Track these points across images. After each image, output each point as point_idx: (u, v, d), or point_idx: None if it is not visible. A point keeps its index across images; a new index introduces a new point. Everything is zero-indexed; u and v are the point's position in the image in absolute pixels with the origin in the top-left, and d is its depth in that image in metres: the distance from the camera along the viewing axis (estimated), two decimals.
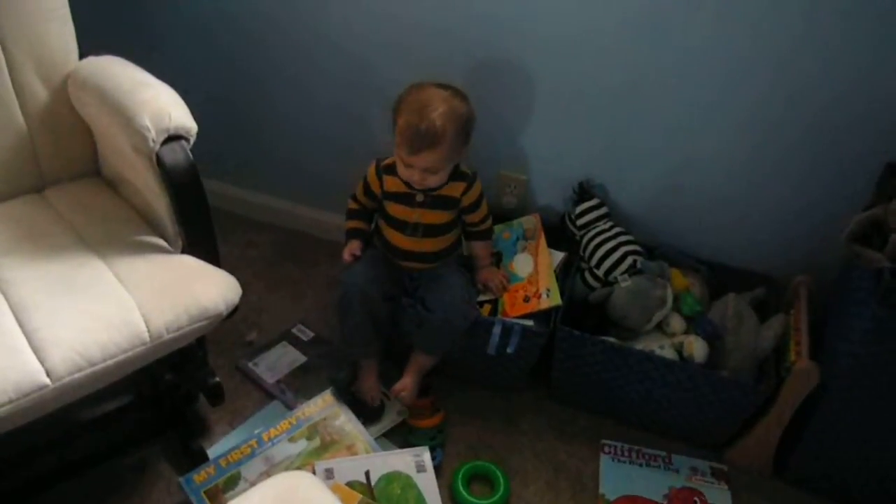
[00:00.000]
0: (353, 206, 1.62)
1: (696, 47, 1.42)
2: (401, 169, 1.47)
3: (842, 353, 1.36)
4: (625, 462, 1.59)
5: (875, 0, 1.27)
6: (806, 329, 1.46)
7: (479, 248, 1.63)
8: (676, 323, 1.57)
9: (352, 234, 1.60)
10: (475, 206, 1.55)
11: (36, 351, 1.12)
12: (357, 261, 1.57)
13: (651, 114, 1.54)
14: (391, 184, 1.53)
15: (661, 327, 1.58)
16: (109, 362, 1.14)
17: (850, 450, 1.46)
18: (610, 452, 1.61)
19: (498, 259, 1.67)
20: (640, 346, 1.55)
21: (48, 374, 1.10)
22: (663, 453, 1.61)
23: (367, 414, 1.60)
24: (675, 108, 1.51)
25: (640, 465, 1.59)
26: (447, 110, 1.39)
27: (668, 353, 1.53)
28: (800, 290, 1.55)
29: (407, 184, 1.50)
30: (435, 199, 1.52)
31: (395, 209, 1.55)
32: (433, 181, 1.46)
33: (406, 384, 1.56)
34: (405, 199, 1.53)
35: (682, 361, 1.51)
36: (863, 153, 1.42)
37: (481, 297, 1.62)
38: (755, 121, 1.47)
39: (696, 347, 1.51)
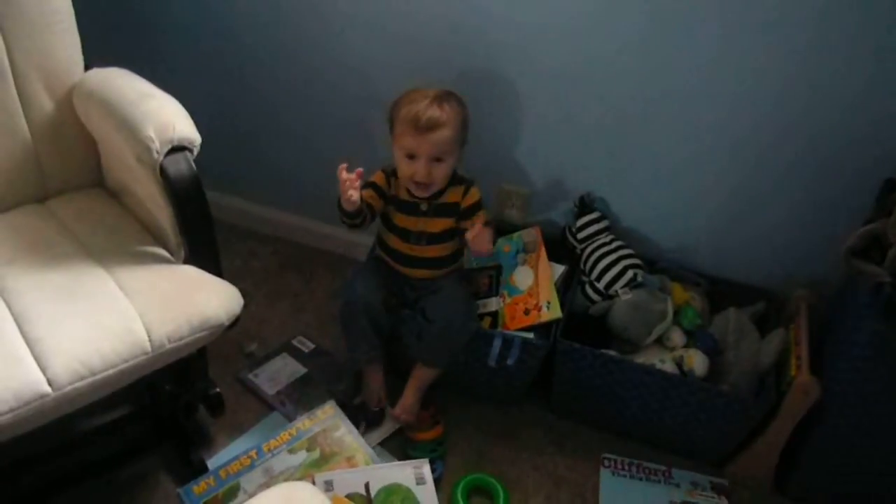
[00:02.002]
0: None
1: (700, 67, 1.43)
2: (404, 167, 1.46)
3: (842, 368, 1.36)
4: (625, 476, 1.59)
5: (876, 23, 1.28)
6: (806, 343, 1.46)
7: (474, 219, 1.52)
8: (677, 337, 1.57)
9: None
10: (474, 209, 1.54)
11: (38, 360, 1.12)
12: (359, 270, 1.58)
13: (653, 130, 1.55)
14: (398, 189, 1.54)
15: (661, 341, 1.58)
16: (111, 371, 1.15)
17: (851, 464, 1.46)
18: (610, 466, 1.60)
19: (498, 272, 1.67)
20: (640, 359, 1.55)
21: (49, 383, 1.10)
22: (663, 467, 1.61)
23: (369, 418, 1.59)
24: (676, 124, 1.52)
25: (641, 479, 1.58)
26: (447, 94, 1.44)
27: (669, 367, 1.53)
28: (800, 304, 1.55)
29: (410, 192, 1.51)
30: (438, 208, 1.53)
31: (399, 219, 1.56)
32: (439, 173, 1.45)
33: (406, 405, 1.57)
34: (410, 207, 1.54)
35: (683, 375, 1.51)
36: (862, 169, 1.43)
37: (482, 310, 1.62)
38: (756, 137, 1.48)
39: (697, 361, 1.51)
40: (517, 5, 1.47)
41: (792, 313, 1.56)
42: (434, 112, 1.40)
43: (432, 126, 1.40)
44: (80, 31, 1.42)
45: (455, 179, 1.53)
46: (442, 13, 1.53)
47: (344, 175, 1.41)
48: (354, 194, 1.42)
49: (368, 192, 1.54)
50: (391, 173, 1.55)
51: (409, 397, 1.58)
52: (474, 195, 1.54)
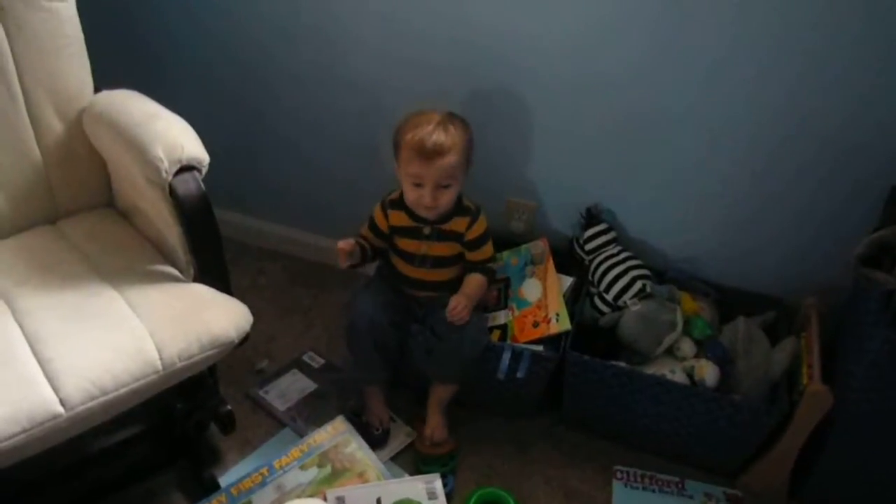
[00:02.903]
0: (360, 233, 1.61)
1: (706, 77, 1.43)
2: (410, 193, 1.47)
3: (854, 376, 1.35)
4: (637, 488, 1.58)
5: (883, 29, 1.28)
6: (818, 352, 1.45)
7: (469, 279, 1.56)
8: (687, 347, 1.56)
9: (357, 240, 1.57)
10: (478, 243, 1.55)
11: (50, 380, 1.13)
12: (365, 288, 1.58)
13: (658, 140, 1.55)
14: (396, 218, 1.55)
15: (671, 351, 1.57)
16: (123, 391, 1.15)
17: (866, 473, 1.45)
18: (622, 478, 1.59)
19: (506, 285, 1.67)
20: (650, 370, 1.54)
21: (62, 404, 1.11)
22: (676, 479, 1.60)
23: (374, 439, 1.59)
24: (682, 135, 1.52)
25: (654, 491, 1.57)
26: (451, 120, 1.44)
27: (680, 378, 1.52)
28: (810, 312, 1.54)
29: (412, 217, 1.52)
30: (440, 233, 1.53)
31: (403, 243, 1.57)
32: (445, 200, 1.46)
33: (433, 424, 1.57)
34: (412, 232, 1.55)
35: (694, 385, 1.51)
36: (870, 176, 1.42)
37: (491, 323, 1.62)
38: (764, 146, 1.48)
39: (708, 371, 1.50)
40: (520, 23, 1.48)
41: (802, 322, 1.56)
42: (440, 138, 1.40)
43: (438, 153, 1.40)
44: (90, 54, 1.44)
45: (461, 209, 1.53)
46: (445, 32, 1.55)
47: (343, 247, 1.51)
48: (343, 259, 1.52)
49: (367, 232, 1.58)
50: (388, 205, 1.56)
51: (434, 417, 1.58)
52: (480, 226, 1.54)
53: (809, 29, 1.32)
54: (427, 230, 1.53)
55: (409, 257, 1.57)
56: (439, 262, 1.56)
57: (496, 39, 1.52)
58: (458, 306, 1.48)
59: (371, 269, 1.70)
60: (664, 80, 1.47)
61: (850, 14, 1.28)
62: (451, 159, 1.42)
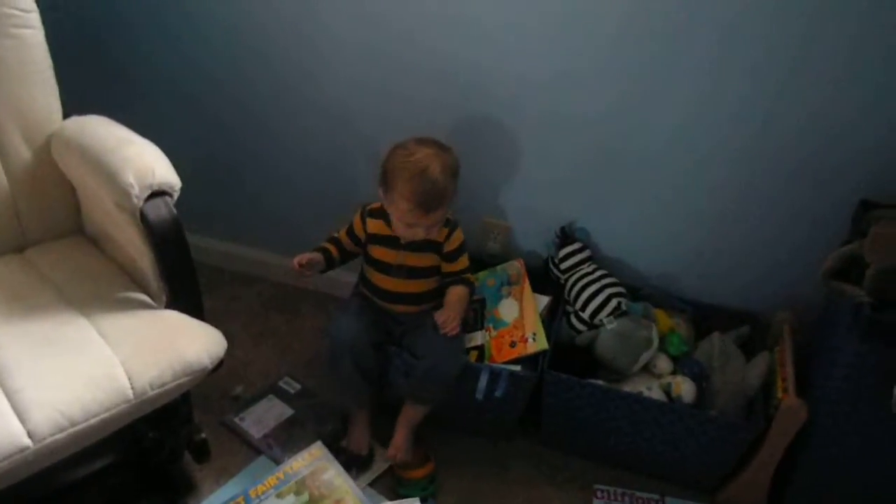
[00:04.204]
0: (332, 235, 1.61)
1: (683, 101, 1.46)
2: (403, 230, 1.49)
3: (827, 388, 1.37)
4: None
5: (862, 56, 1.32)
6: (791, 365, 1.47)
7: (455, 290, 1.57)
8: (663, 363, 1.57)
9: (318, 249, 1.58)
10: (455, 254, 1.56)
11: (18, 412, 1.10)
12: (344, 310, 1.57)
13: (633, 161, 1.57)
14: (374, 226, 1.55)
15: (648, 368, 1.58)
16: (93, 421, 1.13)
17: (842, 485, 1.46)
18: (603, 497, 1.59)
19: (482, 305, 1.67)
20: (628, 387, 1.55)
21: (30, 436, 1.08)
22: (656, 496, 1.59)
23: (357, 464, 1.58)
24: (657, 156, 1.54)
25: None
26: (444, 167, 1.42)
27: (657, 394, 1.53)
28: (783, 327, 1.56)
29: (389, 225, 1.52)
30: (417, 243, 1.53)
31: (379, 252, 1.56)
32: (435, 232, 1.50)
33: (398, 445, 1.55)
34: (388, 241, 1.55)
35: (671, 402, 1.51)
36: (842, 194, 1.45)
37: (469, 344, 1.62)
38: (739, 165, 1.50)
39: (684, 388, 1.51)
40: (501, 58, 1.51)
41: (776, 336, 1.57)
42: (437, 190, 1.41)
43: (439, 205, 1.43)
44: (58, 79, 1.43)
45: None
46: (427, 63, 1.56)
47: (297, 268, 1.53)
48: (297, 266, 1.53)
49: (344, 236, 1.59)
50: (368, 213, 1.56)
51: (401, 436, 1.56)
52: (458, 238, 1.55)
53: (786, 53, 1.35)
54: (403, 240, 1.53)
55: (385, 267, 1.56)
56: (415, 273, 1.56)
57: (477, 72, 1.54)
58: (447, 320, 1.49)
59: (348, 290, 1.69)
60: (639, 117, 1.50)
61: (823, 44, 1.32)
62: (444, 208, 1.45)
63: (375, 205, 1.56)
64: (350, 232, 1.59)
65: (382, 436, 1.61)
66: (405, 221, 1.46)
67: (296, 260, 1.53)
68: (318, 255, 1.56)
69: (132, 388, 1.17)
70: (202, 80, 1.77)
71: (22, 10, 1.35)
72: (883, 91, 1.34)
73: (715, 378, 1.53)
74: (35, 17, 1.37)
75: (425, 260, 1.56)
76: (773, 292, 1.64)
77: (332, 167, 1.80)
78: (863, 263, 1.27)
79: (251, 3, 1.61)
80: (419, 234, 1.47)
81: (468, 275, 1.60)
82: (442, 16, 1.49)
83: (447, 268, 1.58)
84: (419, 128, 1.50)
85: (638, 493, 1.60)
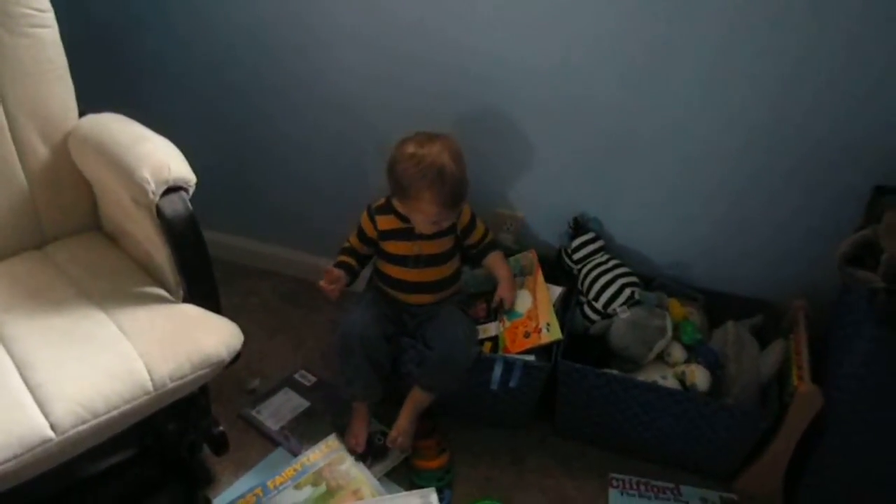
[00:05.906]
0: (344, 245, 1.62)
1: (693, 85, 1.45)
2: (424, 226, 1.50)
3: (844, 375, 1.36)
4: (633, 495, 1.58)
5: (869, 35, 1.31)
6: (806, 353, 1.47)
7: (494, 261, 1.63)
8: (677, 352, 1.57)
9: (338, 265, 1.59)
10: (470, 227, 1.59)
11: (40, 405, 1.12)
12: (356, 302, 1.58)
13: (644, 149, 1.57)
14: (384, 223, 1.56)
15: (662, 357, 1.58)
16: (113, 413, 1.15)
17: (859, 472, 1.45)
18: (618, 486, 1.59)
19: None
20: (642, 377, 1.55)
21: (53, 428, 1.10)
22: (672, 485, 1.60)
23: (375, 451, 1.59)
24: (668, 144, 1.54)
25: (650, 497, 1.57)
26: (453, 157, 1.44)
27: (671, 383, 1.53)
28: (798, 314, 1.56)
29: (401, 218, 1.53)
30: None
31: (393, 246, 1.57)
32: (455, 216, 1.53)
33: (401, 428, 1.56)
34: (403, 234, 1.55)
35: (686, 391, 1.51)
36: (855, 179, 1.44)
37: (482, 335, 1.62)
38: (751, 151, 1.50)
39: (699, 376, 1.51)
40: (509, 47, 1.51)
41: (790, 323, 1.57)
42: (457, 181, 1.43)
43: (462, 197, 1.46)
44: (75, 78, 1.44)
45: None
46: (435, 55, 1.56)
47: (325, 286, 1.54)
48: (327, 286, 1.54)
49: (355, 241, 1.60)
50: (375, 211, 1.57)
51: (405, 419, 1.56)
52: (467, 211, 1.58)
53: (795, 33, 1.34)
54: (419, 231, 1.54)
55: (402, 260, 1.57)
56: (433, 261, 1.57)
57: (485, 62, 1.54)
58: (507, 296, 1.60)
59: (361, 284, 1.70)
60: (647, 101, 1.49)
61: (829, 29, 1.31)
62: (465, 200, 1.50)
63: (380, 201, 1.57)
64: (361, 235, 1.59)
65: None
66: (433, 220, 1.47)
67: (321, 284, 1.54)
68: (339, 272, 1.56)
69: (152, 380, 1.19)
70: (213, 78, 1.79)
71: (37, 10, 1.36)
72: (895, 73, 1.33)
73: (729, 366, 1.53)
74: (50, 17, 1.38)
75: (442, 245, 1.57)
76: (786, 280, 1.63)
77: (342, 161, 1.81)
78: (877, 249, 1.26)
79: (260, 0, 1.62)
80: (444, 224, 1.50)
81: (490, 236, 1.63)
82: (450, 6, 1.49)
83: (469, 240, 1.60)
84: (429, 119, 1.51)
85: (653, 482, 1.60)
